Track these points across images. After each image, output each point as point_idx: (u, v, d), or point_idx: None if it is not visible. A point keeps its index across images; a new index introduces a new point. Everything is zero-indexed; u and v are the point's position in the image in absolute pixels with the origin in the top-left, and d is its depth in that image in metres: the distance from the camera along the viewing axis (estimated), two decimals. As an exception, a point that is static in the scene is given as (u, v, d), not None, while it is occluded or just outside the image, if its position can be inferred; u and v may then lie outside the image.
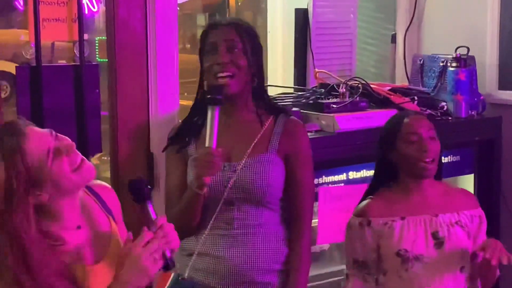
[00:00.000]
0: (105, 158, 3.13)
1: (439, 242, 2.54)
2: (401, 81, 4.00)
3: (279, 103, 2.88)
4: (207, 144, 2.24)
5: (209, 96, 2.27)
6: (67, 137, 1.85)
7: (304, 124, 2.54)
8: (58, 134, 1.84)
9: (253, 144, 2.39)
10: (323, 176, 3.15)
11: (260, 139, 2.40)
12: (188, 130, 2.45)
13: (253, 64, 2.38)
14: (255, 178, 2.35)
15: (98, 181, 2.07)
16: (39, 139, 1.78)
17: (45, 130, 1.83)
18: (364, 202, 2.66)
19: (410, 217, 2.56)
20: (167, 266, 1.82)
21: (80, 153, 1.85)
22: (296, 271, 2.42)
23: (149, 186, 1.89)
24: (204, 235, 2.37)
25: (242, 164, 2.36)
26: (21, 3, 2.91)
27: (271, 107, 2.49)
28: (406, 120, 2.60)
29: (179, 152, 2.42)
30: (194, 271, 2.38)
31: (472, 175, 3.67)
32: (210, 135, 2.24)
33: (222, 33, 2.36)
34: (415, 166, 2.55)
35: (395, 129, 2.60)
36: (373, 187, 2.69)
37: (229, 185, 2.34)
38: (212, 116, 2.24)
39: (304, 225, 2.46)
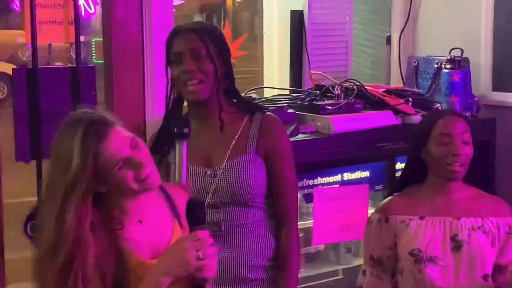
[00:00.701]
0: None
1: (457, 246, 2.49)
2: (396, 82, 4.01)
3: (254, 102, 2.82)
4: (176, 180, 2.20)
5: (176, 130, 2.20)
6: (146, 148, 1.88)
7: (280, 119, 2.52)
8: (138, 143, 1.85)
9: (231, 146, 2.40)
10: (318, 177, 3.17)
11: (238, 141, 2.41)
12: (165, 139, 2.42)
13: (220, 66, 2.39)
14: (237, 181, 2.36)
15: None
16: (117, 146, 1.81)
17: (128, 136, 1.84)
18: (387, 199, 2.64)
19: (429, 218, 2.52)
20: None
21: (151, 163, 1.87)
22: (287, 271, 2.42)
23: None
24: None
25: (222, 168, 2.37)
26: (18, 4, 2.92)
27: (245, 106, 2.49)
28: (441, 120, 2.55)
29: (161, 163, 2.38)
30: None
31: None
32: (179, 171, 2.18)
33: (185, 41, 2.37)
34: (443, 168, 2.51)
35: (429, 127, 2.55)
36: (401, 183, 2.66)
37: (211, 190, 2.36)
38: (180, 151, 2.18)
39: (291, 222, 2.45)
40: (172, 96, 2.47)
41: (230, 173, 2.36)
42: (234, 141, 2.40)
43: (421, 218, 2.53)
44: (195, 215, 1.84)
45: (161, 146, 2.42)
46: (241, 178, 2.36)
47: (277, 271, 2.43)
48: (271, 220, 2.45)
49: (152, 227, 1.92)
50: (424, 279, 2.49)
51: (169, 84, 2.46)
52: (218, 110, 2.40)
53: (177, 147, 2.19)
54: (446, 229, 2.51)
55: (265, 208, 2.45)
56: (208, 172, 2.38)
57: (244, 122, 2.44)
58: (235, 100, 2.48)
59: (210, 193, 2.36)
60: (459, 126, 2.53)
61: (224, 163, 2.37)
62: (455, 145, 2.49)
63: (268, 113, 2.52)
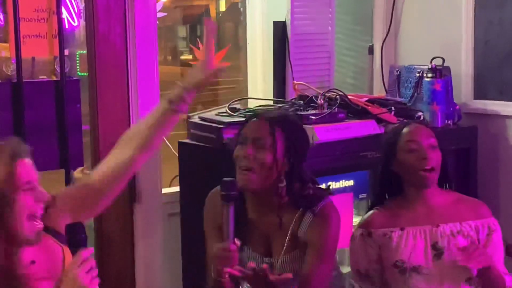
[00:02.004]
0: (87, 171, 3.15)
1: (438, 253, 2.51)
2: (378, 91, 4.04)
3: (312, 196, 2.55)
4: (224, 240, 2.28)
5: (223, 193, 2.29)
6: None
7: (333, 211, 2.46)
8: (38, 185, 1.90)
9: (286, 242, 2.42)
10: (303, 187, 3.18)
11: (291, 234, 2.42)
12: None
13: (284, 163, 2.38)
14: (291, 277, 2.35)
15: None
16: (28, 169, 1.88)
17: (36, 172, 1.90)
18: (368, 213, 2.65)
19: (410, 228, 2.54)
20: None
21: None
22: None
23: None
24: None
25: (279, 261, 2.42)
26: (1, 18, 2.93)
27: (302, 201, 2.45)
28: (405, 129, 2.59)
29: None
30: None
31: (449, 183, 3.71)
32: (226, 232, 2.27)
33: (255, 128, 2.40)
34: (415, 175, 2.53)
35: (395, 138, 2.59)
36: (378, 198, 2.68)
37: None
38: (227, 213, 2.26)
39: None
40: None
41: (285, 267, 2.41)
42: (287, 238, 2.42)
43: (402, 229, 2.55)
44: (76, 237, 1.86)
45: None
46: (294, 274, 2.36)
47: None
48: None
49: (44, 263, 1.94)
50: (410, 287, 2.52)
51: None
52: (276, 199, 2.42)
53: (224, 208, 2.27)
54: (427, 237, 2.53)
55: None
56: (266, 261, 2.42)
57: (298, 215, 2.43)
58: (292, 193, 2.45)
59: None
60: (423, 132, 2.58)
61: (281, 257, 2.42)
62: (423, 149, 2.52)
63: (320, 210, 2.43)
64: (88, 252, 1.81)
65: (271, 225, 2.45)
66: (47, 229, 1.99)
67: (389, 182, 2.63)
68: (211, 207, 2.51)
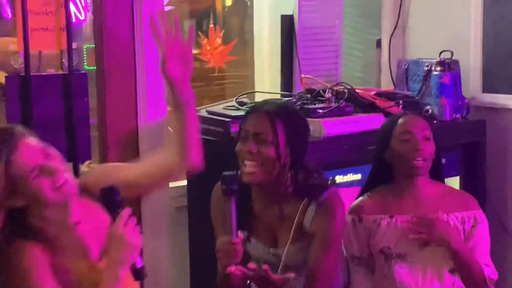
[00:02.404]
0: (95, 165, 3.15)
1: (423, 242, 2.56)
2: (386, 85, 4.03)
3: (316, 185, 2.54)
4: (227, 234, 2.28)
5: (223, 187, 2.30)
6: (59, 156, 1.91)
7: (338, 201, 2.47)
8: (50, 152, 1.88)
9: (292, 232, 2.42)
10: (311, 181, 3.17)
11: (297, 224, 2.43)
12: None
13: (286, 155, 2.39)
14: (298, 266, 2.41)
15: None
16: (29, 155, 1.84)
17: (39, 146, 1.87)
18: (359, 199, 2.71)
19: (399, 216, 2.59)
20: (138, 275, 1.91)
21: (66, 171, 1.90)
22: None
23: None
24: None
25: (285, 251, 2.43)
26: (9, 11, 2.93)
27: (306, 191, 2.47)
28: (401, 119, 2.64)
29: None
30: None
31: (458, 177, 3.69)
32: (229, 225, 2.28)
33: (256, 123, 2.40)
34: (406, 165, 2.59)
35: (390, 128, 2.64)
36: (369, 184, 2.74)
37: (273, 267, 2.39)
38: (229, 206, 2.28)
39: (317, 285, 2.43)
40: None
41: (292, 258, 2.43)
42: (293, 227, 2.42)
43: (391, 217, 2.61)
44: (112, 199, 1.90)
45: None
46: (301, 264, 2.42)
47: None
48: None
49: (90, 227, 1.96)
50: (393, 275, 2.57)
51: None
52: (280, 191, 2.44)
53: (226, 203, 2.28)
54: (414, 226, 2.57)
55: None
56: (272, 252, 2.45)
57: (303, 205, 2.44)
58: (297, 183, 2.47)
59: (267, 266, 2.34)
60: (419, 123, 2.63)
61: (287, 247, 2.42)
62: (416, 140, 2.57)
63: (324, 200, 2.43)
64: (128, 211, 1.87)
65: (276, 216, 2.46)
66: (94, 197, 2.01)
67: (381, 170, 2.69)
68: (216, 201, 2.52)
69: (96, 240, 1.96)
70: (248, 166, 2.37)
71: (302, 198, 2.45)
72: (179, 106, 2.08)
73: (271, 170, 2.38)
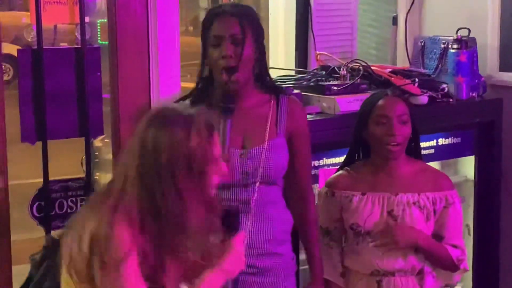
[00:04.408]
0: (107, 140, 3.15)
1: (392, 221, 2.61)
2: (402, 63, 4.00)
3: (277, 83, 2.86)
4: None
5: (221, 104, 2.31)
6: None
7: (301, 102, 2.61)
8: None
9: (267, 131, 2.44)
10: (324, 158, 3.16)
11: (270, 124, 2.46)
12: None
13: (256, 51, 2.41)
14: (272, 164, 2.42)
15: None
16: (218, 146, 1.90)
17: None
18: (335, 174, 2.78)
19: (370, 194, 2.65)
20: None
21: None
22: (314, 238, 2.60)
23: None
24: None
25: (258, 150, 2.42)
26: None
27: (271, 89, 2.53)
28: (380, 101, 2.65)
29: None
30: None
31: (473, 156, 3.68)
32: (223, 146, 2.27)
33: (226, 26, 2.37)
34: (381, 148, 2.62)
35: (369, 108, 2.67)
36: (348, 160, 2.79)
37: (245, 171, 2.41)
38: (225, 125, 2.30)
39: (311, 201, 2.59)
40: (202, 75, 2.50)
41: (266, 155, 2.42)
42: (268, 125, 2.45)
43: (363, 194, 2.66)
44: (233, 223, 2.05)
45: None
46: (275, 161, 2.43)
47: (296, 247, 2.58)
48: (283, 197, 2.55)
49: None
50: (360, 251, 2.64)
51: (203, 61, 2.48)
52: (249, 93, 2.44)
53: (221, 122, 2.27)
54: (384, 204, 2.64)
55: (282, 187, 2.54)
56: (243, 154, 2.42)
57: (272, 104, 2.48)
58: (263, 82, 2.50)
59: (243, 174, 2.40)
60: (397, 107, 2.64)
61: (260, 145, 2.42)
62: (391, 125, 2.59)
63: (292, 96, 2.58)
64: (244, 235, 2.02)
65: (243, 117, 2.43)
66: None
67: (359, 147, 2.75)
68: None
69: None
70: (229, 72, 2.35)
71: (267, 94, 2.49)
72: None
73: (248, 70, 2.39)
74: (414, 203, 2.63)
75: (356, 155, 2.78)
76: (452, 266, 2.67)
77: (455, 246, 2.66)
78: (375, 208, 2.63)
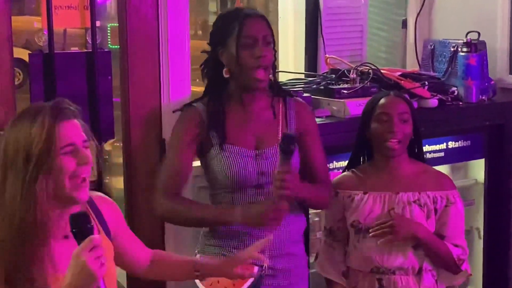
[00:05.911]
0: (118, 144, 3.16)
1: (392, 218, 2.62)
2: (412, 66, 3.99)
3: (285, 87, 2.91)
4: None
5: (281, 146, 2.29)
6: (91, 157, 1.90)
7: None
8: (88, 146, 1.90)
9: (279, 131, 2.49)
10: (334, 162, 3.17)
11: (282, 125, 2.51)
12: (213, 121, 2.49)
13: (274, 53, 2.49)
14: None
15: (100, 194, 2.13)
16: (72, 132, 1.86)
17: (84, 134, 1.88)
18: (341, 175, 2.82)
19: (371, 193, 2.68)
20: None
21: (89, 174, 1.90)
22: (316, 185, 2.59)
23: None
24: None
25: (272, 151, 2.46)
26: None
27: (279, 91, 2.58)
28: (382, 100, 2.69)
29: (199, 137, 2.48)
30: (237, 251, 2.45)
31: (483, 159, 3.67)
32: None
33: (259, 27, 2.42)
34: (382, 145, 2.66)
35: (372, 107, 2.70)
36: (351, 162, 2.82)
37: (261, 171, 2.44)
38: (288, 164, 2.30)
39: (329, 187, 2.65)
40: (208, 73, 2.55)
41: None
42: (280, 127, 2.50)
43: (365, 193, 2.69)
44: (82, 227, 1.77)
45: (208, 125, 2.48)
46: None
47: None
48: None
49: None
50: (362, 248, 2.66)
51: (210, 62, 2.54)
52: (262, 95, 2.50)
53: (281, 162, 2.29)
54: (385, 203, 2.66)
55: None
56: (258, 154, 2.46)
57: (280, 106, 2.54)
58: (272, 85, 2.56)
59: (259, 174, 2.44)
60: (398, 106, 2.67)
61: (274, 146, 2.47)
62: (392, 123, 2.63)
63: (297, 97, 2.66)
64: (99, 239, 1.75)
65: (255, 118, 2.49)
66: (96, 212, 2.01)
67: (363, 148, 2.78)
68: (190, 121, 2.52)
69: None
70: (262, 72, 2.40)
71: (275, 96, 2.54)
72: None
73: (271, 70, 2.46)
74: (414, 201, 2.65)
75: (361, 156, 2.81)
76: (453, 265, 2.66)
77: (456, 246, 2.67)
78: (376, 206, 2.66)
